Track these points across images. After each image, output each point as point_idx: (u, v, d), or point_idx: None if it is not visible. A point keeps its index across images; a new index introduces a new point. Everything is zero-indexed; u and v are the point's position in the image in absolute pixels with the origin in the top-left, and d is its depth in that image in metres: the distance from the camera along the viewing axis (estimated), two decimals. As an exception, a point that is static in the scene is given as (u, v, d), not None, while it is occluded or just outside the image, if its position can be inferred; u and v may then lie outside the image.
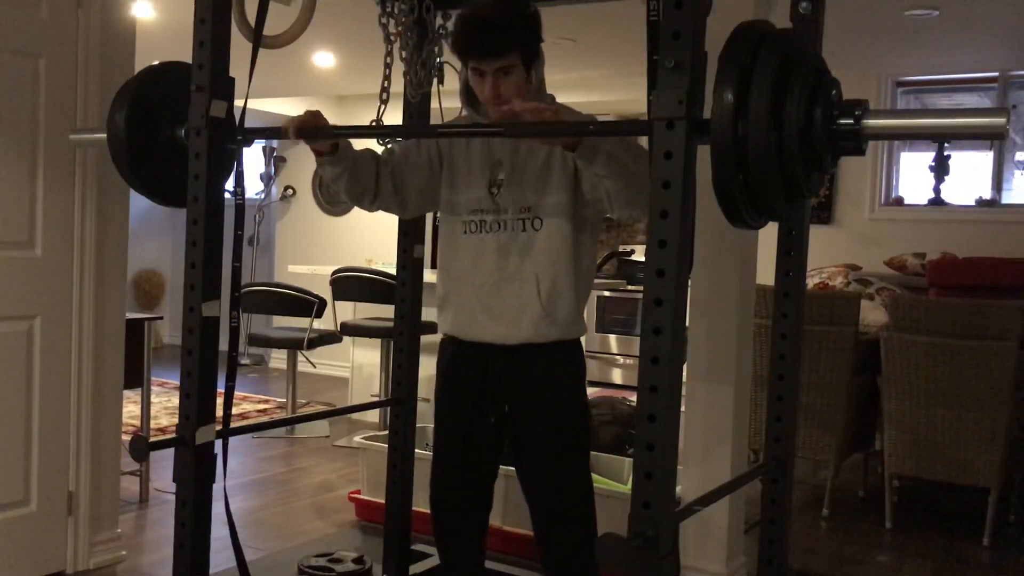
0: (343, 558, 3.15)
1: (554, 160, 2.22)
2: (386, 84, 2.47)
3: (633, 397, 2.77)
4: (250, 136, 2.32)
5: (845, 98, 1.65)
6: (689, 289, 2.24)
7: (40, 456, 3.05)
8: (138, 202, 3.09)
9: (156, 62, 2.51)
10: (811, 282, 5.25)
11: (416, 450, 2.89)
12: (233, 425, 2.43)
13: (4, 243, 2.93)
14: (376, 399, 5.45)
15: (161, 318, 6.92)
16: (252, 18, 2.41)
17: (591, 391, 2.41)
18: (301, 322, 5.53)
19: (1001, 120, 1.52)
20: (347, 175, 2.25)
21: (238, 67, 2.24)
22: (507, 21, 2.12)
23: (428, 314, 3.00)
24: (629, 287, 6.53)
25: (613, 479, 3.49)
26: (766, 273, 2.49)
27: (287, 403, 5.80)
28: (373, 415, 5.63)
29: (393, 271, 3.03)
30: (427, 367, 2.95)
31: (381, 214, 2.54)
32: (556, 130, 1.98)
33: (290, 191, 8.28)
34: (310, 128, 2.14)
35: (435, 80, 2.59)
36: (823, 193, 6.09)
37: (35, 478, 3.05)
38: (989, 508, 3.82)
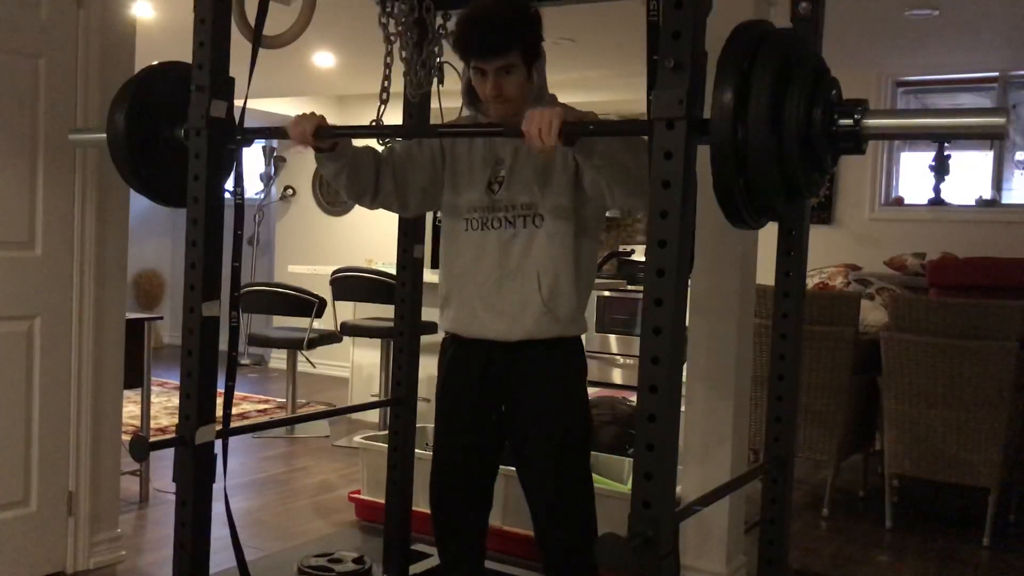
0: (343, 558, 3.15)
1: (555, 157, 2.22)
2: (386, 84, 2.47)
3: (633, 397, 2.77)
4: (250, 136, 2.32)
5: (845, 98, 1.65)
6: (689, 289, 2.24)
7: (40, 456, 3.05)
8: (138, 202, 3.09)
9: (156, 62, 2.51)
10: (811, 282, 5.25)
11: (416, 450, 2.89)
12: (233, 425, 2.43)
13: (4, 243, 2.93)
14: (376, 399, 5.44)
15: (161, 318, 6.90)
16: (252, 18, 2.41)
17: (591, 391, 2.41)
18: (301, 322, 5.53)
19: (1001, 120, 1.52)
20: (346, 172, 2.25)
21: (238, 67, 2.25)
22: (508, 20, 2.13)
23: (428, 314, 3.00)
24: (629, 287, 6.53)
25: (613, 479, 3.49)
26: (766, 273, 2.48)
27: (287, 403, 5.80)
28: (373, 415, 5.62)
29: (393, 271, 3.03)
30: (427, 367, 2.96)
31: (381, 214, 2.55)
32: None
33: (290, 191, 8.29)
34: (321, 128, 2.15)
35: (435, 80, 2.59)
36: (823, 193, 6.09)
37: (35, 478, 3.05)
38: (989, 508, 3.82)
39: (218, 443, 2.31)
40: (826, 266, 5.52)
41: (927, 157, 6.03)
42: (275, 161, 8.22)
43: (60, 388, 3.10)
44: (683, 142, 1.58)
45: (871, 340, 4.16)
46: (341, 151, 2.22)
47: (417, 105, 2.66)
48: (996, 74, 5.87)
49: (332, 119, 2.24)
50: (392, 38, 2.51)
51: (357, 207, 7.69)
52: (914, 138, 5.21)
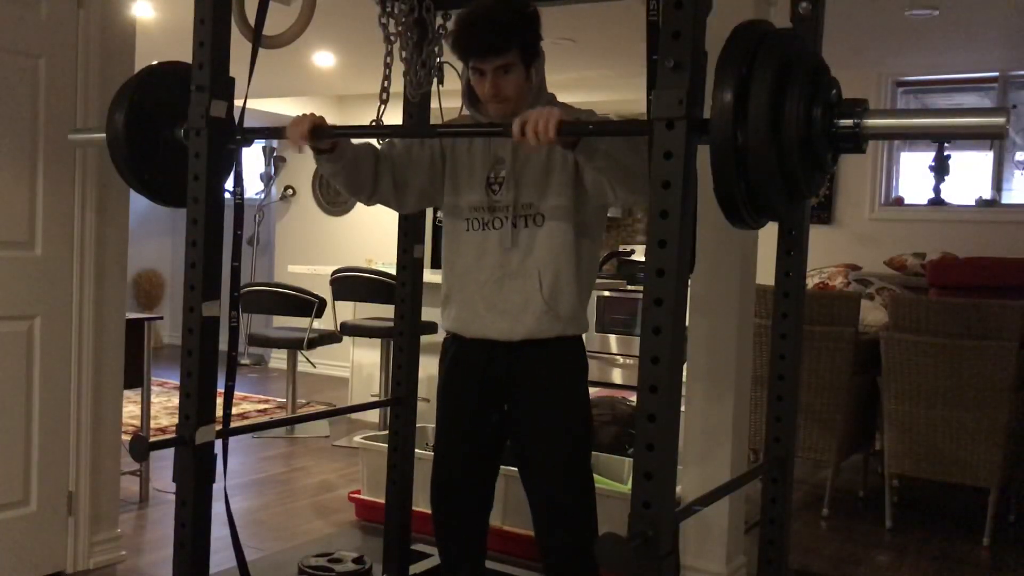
0: (343, 558, 3.15)
1: (555, 158, 2.22)
2: (386, 84, 2.47)
3: (633, 397, 2.77)
4: (250, 136, 2.32)
5: (845, 98, 1.65)
6: (689, 289, 2.24)
7: (40, 456, 3.05)
8: (138, 202, 3.08)
9: (156, 62, 2.51)
10: (811, 282, 5.25)
11: (416, 450, 2.89)
12: (233, 425, 2.43)
13: (4, 243, 2.93)
14: (376, 399, 5.44)
15: (161, 318, 6.92)
16: (252, 18, 2.41)
17: (591, 391, 2.41)
18: (301, 322, 5.53)
19: (1001, 120, 1.52)
20: (345, 171, 2.26)
21: (238, 67, 2.25)
22: (506, 19, 2.13)
23: (428, 314, 3.00)
24: (629, 287, 6.53)
25: (613, 479, 3.49)
26: (766, 273, 2.48)
27: (287, 403, 5.80)
28: (373, 415, 5.62)
29: (393, 271, 3.03)
30: (427, 367, 2.96)
31: (380, 214, 2.55)
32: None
33: (290, 191, 8.29)
34: (318, 128, 2.15)
35: (435, 80, 2.59)
36: (823, 193, 6.09)
37: (35, 478, 3.05)
38: (989, 508, 3.82)
39: (218, 443, 2.31)
40: (826, 266, 5.52)
41: (927, 157, 6.03)
42: (275, 161, 8.23)
43: (60, 388, 3.10)
44: (683, 142, 1.58)
45: (871, 340, 4.17)
46: (340, 152, 2.22)
47: (417, 105, 2.66)
48: (996, 74, 5.87)
49: (332, 119, 2.24)
50: (392, 38, 2.51)
51: (357, 207, 7.72)
52: (914, 138, 5.21)
